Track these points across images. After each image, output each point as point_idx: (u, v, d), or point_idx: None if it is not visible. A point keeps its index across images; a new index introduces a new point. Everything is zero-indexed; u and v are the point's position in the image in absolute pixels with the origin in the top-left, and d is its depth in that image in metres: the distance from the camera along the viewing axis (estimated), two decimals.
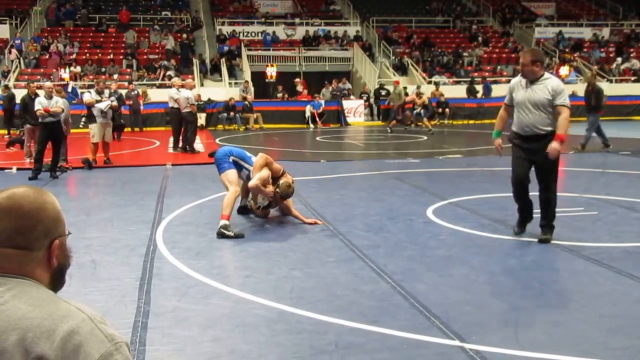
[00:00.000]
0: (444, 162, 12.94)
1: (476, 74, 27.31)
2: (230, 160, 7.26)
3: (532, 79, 6.16)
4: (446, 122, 23.11)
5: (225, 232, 6.64)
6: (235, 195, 7.06)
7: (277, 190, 7.13)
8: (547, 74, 6.27)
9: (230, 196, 6.94)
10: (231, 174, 7.16)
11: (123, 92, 20.96)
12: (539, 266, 5.61)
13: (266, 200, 7.32)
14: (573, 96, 26.15)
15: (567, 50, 30.29)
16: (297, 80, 25.57)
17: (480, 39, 30.60)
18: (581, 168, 11.94)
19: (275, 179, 7.25)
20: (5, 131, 18.92)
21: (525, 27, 32.37)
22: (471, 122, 23.90)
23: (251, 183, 7.05)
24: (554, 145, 6.02)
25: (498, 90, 26.06)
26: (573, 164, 12.83)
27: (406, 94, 22.49)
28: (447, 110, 23.86)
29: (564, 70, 26.50)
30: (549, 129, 6.15)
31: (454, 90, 25.68)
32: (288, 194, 7.25)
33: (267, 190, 7.11)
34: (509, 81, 25.88)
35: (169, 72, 24.55)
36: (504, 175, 11.18)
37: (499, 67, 28.74)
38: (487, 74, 28.08)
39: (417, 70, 27.22)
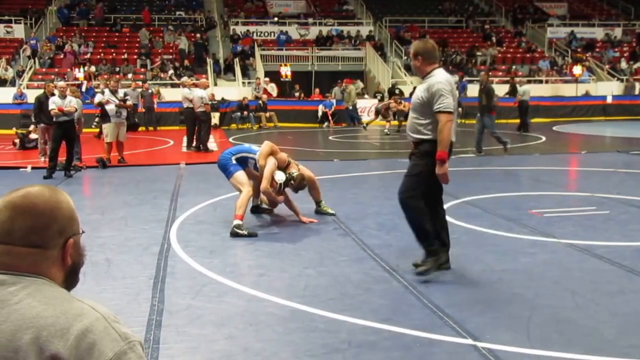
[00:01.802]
0: (456, 161, 12.89)
1: (490, 74, 27.18)
2: (234, 161, 7.24)
3: (421, 76, 5.29)
4: (459, 121, 23.03)
5: (239, 231, 6.67)
6: (249, 195, 7.08)
7: (292, 182, 7.14)
8: (436, 71, 5.19)
9: (244, 197, 6.97)
10: (240, 175, 7.15)
11: (139, 90, 21.11)
12: (551, 265, 5.60)
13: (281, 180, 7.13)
14: (586, 96, 26.17)
15: (579, 50, 30.12)
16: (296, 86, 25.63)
17: (493, 38, 30.49)
18: (593, 168, 11.87)
19: (283, 170, 7.25)
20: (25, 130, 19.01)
21: (537, 27, 32.21)
22: None
23: (262, 187, 7.09)
24: (436, 169, 5.08)
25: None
26: (585, 164, 12.78)
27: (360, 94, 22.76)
28: (459, 109, 23.76)
29: (577, 69, 26.35)
30: (418, 136, 5.22)
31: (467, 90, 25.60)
32: (303, 186, 7.27)
33: (278, 197, 7.15)
34: (525, 82, 25.59)
35: (170, 71, 24.86)
36: (518, 174, 11.18)
37: (513, 67, 28.59)
38: (500, 73, 27.96)
39: None
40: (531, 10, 34.52)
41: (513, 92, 24.18)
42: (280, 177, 7.12)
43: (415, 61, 5.27)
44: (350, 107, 23.40)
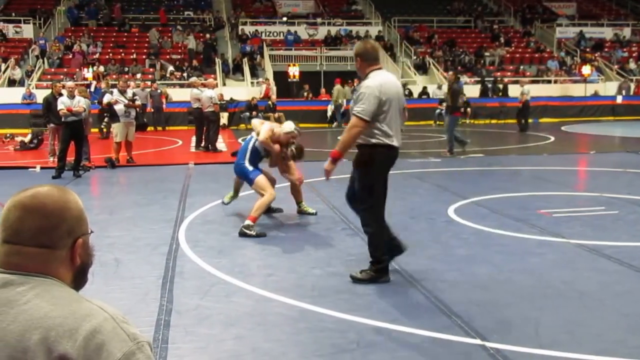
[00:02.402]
0: (465, 162, 12.88)
1: (499, 74, 27.13)
2: (248, 165, 7.15)
3: (362, 77, 5.13)
4: (467, 121, 22.96)
5: (247, 231, 6.67)
6: (271, 199, 6.97)
7: (293, 149, 7.23)
8: (373, 73, 5.04)
9: (265, 200, 6.87)
10: (261, 180, 7.03)
11: (147, 90, 21.19)
12: (560, 265, 5.58)
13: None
14: (595, 96, 26.05)
15: (588, 50, 29.98)
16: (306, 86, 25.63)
17: (502, 39, 30.40)
18: (602, 168, 11.82)
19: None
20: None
21: (546, 27, 32.10)
22: (493, 121, 23.75)
23: (261, 137, 7.06)
24: (325, 164, 5.10)
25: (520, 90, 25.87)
26: (594, 164, 12.73)
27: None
28: (468, 109, 23.72)
29: (586, 69, 26.23)
30: (358, 141, 5.07)
31: (477, 90, 25.54)
32: (302, 155, 7.39)
33: (275, 147, 7.15)
34: (532, 81, 25.53)
35: (170, 69, 24.97)
36: (526, 174, 11.14)
37: (521, 67, 28.51)
38: (509, 73, 27.89)
39: (438, 70, 27.12)
40: (540, 10, 34.40)
41: (504, 91, 24.17)
42: (289, 126, 7.26)
43: (356, 62, 5.19)
44: (334, 107, 23.29)
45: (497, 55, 28.96)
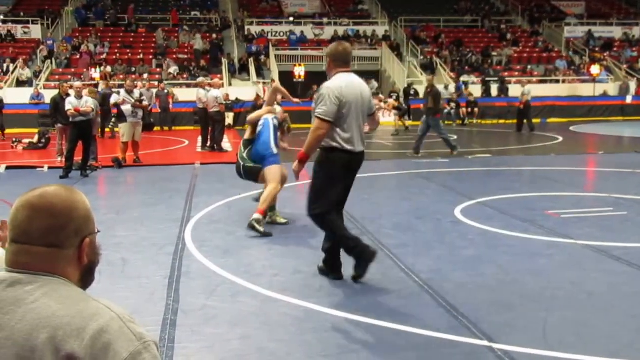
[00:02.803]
0: (472, 162, 12.84)
1: (506, 74, 27.04)
2: (272, 144, 7.13)
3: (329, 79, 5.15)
4: (475, 121, 22.93)
5: (257, 226, 6.62)
6: (276, 191, 6.99)
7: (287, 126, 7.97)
8: (337, 75, 5.03)
9: (271, 191, 6.88)
10: (276, 169, 7.02)
11: (153, 91, 21.23)
12: (568, 266, 5.55)
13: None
14: (604, 96, 25.93)
15: (597, 49, 29.84)
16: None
17: (509, 38, 30.29)
18: (611, 168, 11.76)
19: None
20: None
21: (554, 27, 31.96)
22: (501, 121, 23.64)
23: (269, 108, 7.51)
24: (293, 166, 5.12)
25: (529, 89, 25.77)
26: (602, 165, 12.66)
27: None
28: (475, 109, 23.68)
29: (595, 69, 26.11)
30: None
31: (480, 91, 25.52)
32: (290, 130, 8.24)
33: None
34: (540, 81, 25.51)
35: (173, 68, 25.01)
36: (534, 174, 11.10)
37: (529, 67, 28.40)
38: (516, 73, 27.80)
39: (445, 70, 27.06)
40: (548, 9, 34.25)
41: (505, 92, 24.09)
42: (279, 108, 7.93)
43: (326, 62, 5.22)
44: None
45: (504, 55, 28.87)
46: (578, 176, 11.30)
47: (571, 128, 21.06)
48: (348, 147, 4.97)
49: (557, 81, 27.18)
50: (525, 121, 19.36)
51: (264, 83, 24.63)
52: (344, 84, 4.94)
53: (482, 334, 4.00)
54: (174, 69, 25.42)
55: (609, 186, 9.63)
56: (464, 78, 26.19)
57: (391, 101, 20.80)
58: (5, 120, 18.58)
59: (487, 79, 25.99)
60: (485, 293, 4.86)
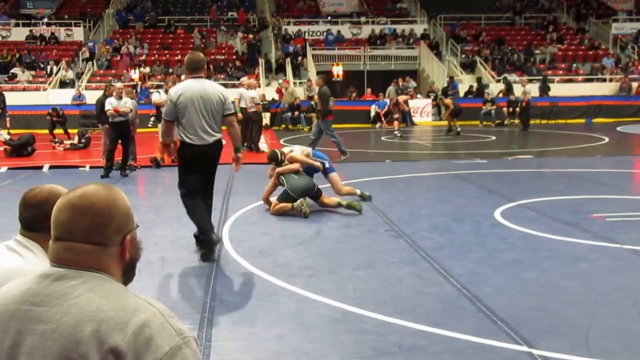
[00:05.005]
0: (513, 163, 12.62)
1: (550, 72, 26.52)
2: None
3: None
4: (516, 121, 22.54)
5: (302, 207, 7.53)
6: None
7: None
8: (186, 80, 6.16)
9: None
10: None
11: None
12: (612, 271, 5.39)
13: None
14: None
15: None
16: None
17: (554, 35, 29.68)
18: None
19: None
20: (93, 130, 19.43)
21: (601, 23, 31.16)
22: (543, 121, 23.18)
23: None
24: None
25: (574, 88, 25.21)
26: None
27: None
28: (517, 109, 23.25)
29: None
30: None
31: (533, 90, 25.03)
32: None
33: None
34: (586, 80, 25.04)
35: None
36: (578, 176, 10.83)
37: (574, 65, 27.79)
38: (561, 72, 27.25)
39: (485, 69, 26.70)
40: (595, 5, 33.42)
41: (508, 91, 23.62)
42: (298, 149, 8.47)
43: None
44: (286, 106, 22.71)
45: (547, 53, 28.31)
46: (625, 178, 10.97)
47: (618, 128, 20.52)
48: (189, 140, 5.86)
49: (604, 80, 26.49)
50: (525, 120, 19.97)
51: (308, 79, 24.65)
52: (184, 88, 5.88)
53: (522, 340, 3.90)
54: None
55: None
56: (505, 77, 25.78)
57: (448, 100, 20.55)
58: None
59: (507, 76, 25.45)
60: (525, 298, 4.75)
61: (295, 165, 8.00)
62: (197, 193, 5.97)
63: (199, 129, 5.84)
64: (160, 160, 12.48)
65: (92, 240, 1.43)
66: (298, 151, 8.27)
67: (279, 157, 8.16)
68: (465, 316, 4.36)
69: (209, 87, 5.94)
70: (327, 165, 8.36)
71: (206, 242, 5.87)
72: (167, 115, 5.99)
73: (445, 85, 24.82)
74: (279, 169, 7.99)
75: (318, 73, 25.36)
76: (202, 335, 4.03)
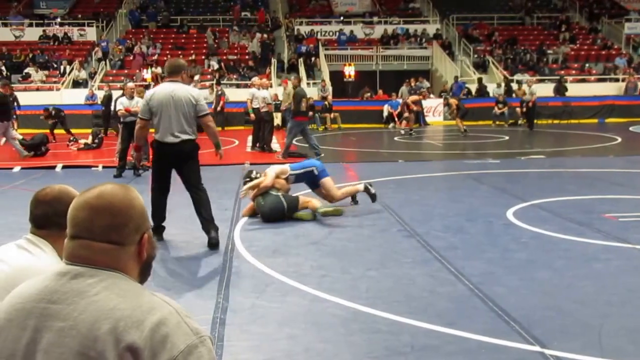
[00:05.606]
0: (525, 163, 12.58)
1: (562, 72, 26.37)
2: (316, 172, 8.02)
3: None
4: (523, 121, 22.41)
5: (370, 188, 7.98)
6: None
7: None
8: (163, 83, 6.58)
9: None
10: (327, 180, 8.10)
11: (206, 91, 21.51)
12: (625, 271, 5.36)
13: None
14: None
15: None
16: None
17: (566, 35, 29.51)
18: None
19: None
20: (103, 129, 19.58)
21: (614, 23, 30.96)
22: (556, 121, 23.06)
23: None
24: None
25: (587, 88, 25.04)
26: None
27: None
28: (523, 110, 23.13)
29: None
30: None
31: (538, 89, 24.89)
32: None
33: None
34: (598, 80, 25.03)
35: (216, 67, 25.37)
36: (590, 176, 10.78)
37: (587, 65, 27.61)
38: (573, 71, 27.08)
39: (497, 69, 26.59)
40: (607, 5, 33.20)
41: (509, 92, 23.50)
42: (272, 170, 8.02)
43: None
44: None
45: (560, 53, 28.15)
46: (637, 178, 10.89)
47: (631, 128, 20.36)
48: (159, 139, 6.30)
49: (617, 79, 26.30)
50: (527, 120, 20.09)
51: (322, 80, 24.61)
52: (157, 90, 6.33)
53: (534, 340, 3.90)
54: (216, 68, 25.71)
55: None
56: (517, 77, 25.66)
57: (454, 100, 20.45)
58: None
59: (510, 77, 25.31)
60: (538, 298, 4.74)
61: (266, 184, 7.67)
62: (163, 188, 6.53)
63: (168, 128, 6.21)
64: None
65: (111, 240, 1.45)
66: (272, 172, 7.91)
67: (252, 176, 8.03)
68: (478, 316, 4.36)
69: (180, 89, 6.25)
70: (316, 172, 7.99)
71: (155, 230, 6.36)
72: (141, 114, 6.40)
73: (450, 85, 24.78)
74: (254, 193, 7.75)
75: (330, 73, 25.43)
76: (214, 336, 4.04)
